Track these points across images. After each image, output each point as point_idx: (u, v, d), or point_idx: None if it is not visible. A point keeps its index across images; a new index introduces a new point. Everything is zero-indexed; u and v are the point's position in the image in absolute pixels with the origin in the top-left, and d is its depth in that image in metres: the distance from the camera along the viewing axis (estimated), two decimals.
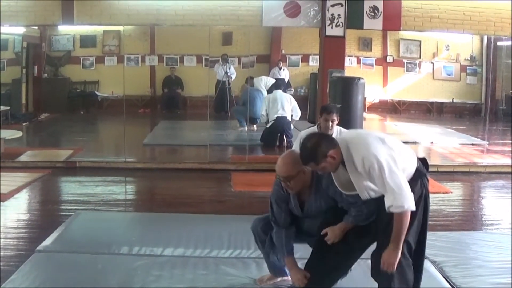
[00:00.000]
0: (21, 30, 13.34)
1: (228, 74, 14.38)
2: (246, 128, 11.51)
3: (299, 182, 3.94)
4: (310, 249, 4.20)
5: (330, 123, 6.09)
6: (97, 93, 16.07)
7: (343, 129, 6.31)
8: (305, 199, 4.11)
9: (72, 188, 8.06)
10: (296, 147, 6.35)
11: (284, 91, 11.59)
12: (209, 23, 9.35)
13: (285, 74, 15.18)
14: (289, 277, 4.30)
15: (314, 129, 6.35)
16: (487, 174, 9.19)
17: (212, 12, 9.16)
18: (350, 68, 15.45)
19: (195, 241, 5.40)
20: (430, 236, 4.11)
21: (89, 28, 15.58)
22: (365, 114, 12.47)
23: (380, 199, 3.57)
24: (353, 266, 4.24)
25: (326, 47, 9.28)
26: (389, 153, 3.55)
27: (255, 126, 12.10)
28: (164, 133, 13.03)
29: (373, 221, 3.87)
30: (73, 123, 14.70)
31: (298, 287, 4.04)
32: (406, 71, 17.14)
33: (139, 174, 8.88)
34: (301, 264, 4.16)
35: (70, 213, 6.38)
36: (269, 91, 11.86)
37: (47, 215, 6.51)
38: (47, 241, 5.31)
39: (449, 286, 4.55)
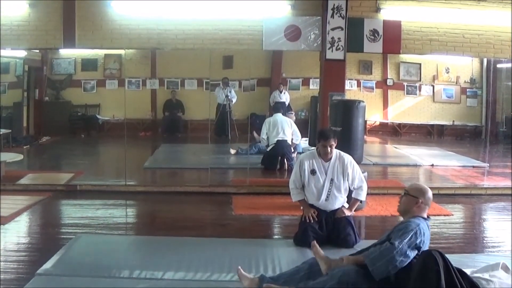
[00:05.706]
0: (22, 53, 13.40)
1: (229, 97, 14.46)
2: None
3: (407, 204, 4.51)
4: None
5: (329, 149, 6.12)
6: (98, 116, 16.14)
7: (342, 153, 6.32)
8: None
9: (72, 211, 8.01)
10: (296, 170, 6.37)
11: (284, 114, 11.61)
12: (210, 46, 9.37)
13: (285, 97, 15.22)
14: None
15: (314, 152, 6.37)
16: (488, 196, 9.17)
17: (212, 36, 9.20)
18: (351, 91, 15.56)
19: (196, 264, 5.37)
20: None
21: (91, 52, 15.70)
22: (365, 137, 12.49)
23: None
24: None
25: (327, 70, 9.30)
26: None
27: None
28: (165, 157, 13.04)
29: None
30: (74, 146, 14.74)
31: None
32: (407, 94, 17.17)
33: (140, 198, 8.84)
34: None
35: (70, 236, 6.36)
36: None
37: (47, 238, 6.49)
38: (48, 265, 5.28)
39: None
